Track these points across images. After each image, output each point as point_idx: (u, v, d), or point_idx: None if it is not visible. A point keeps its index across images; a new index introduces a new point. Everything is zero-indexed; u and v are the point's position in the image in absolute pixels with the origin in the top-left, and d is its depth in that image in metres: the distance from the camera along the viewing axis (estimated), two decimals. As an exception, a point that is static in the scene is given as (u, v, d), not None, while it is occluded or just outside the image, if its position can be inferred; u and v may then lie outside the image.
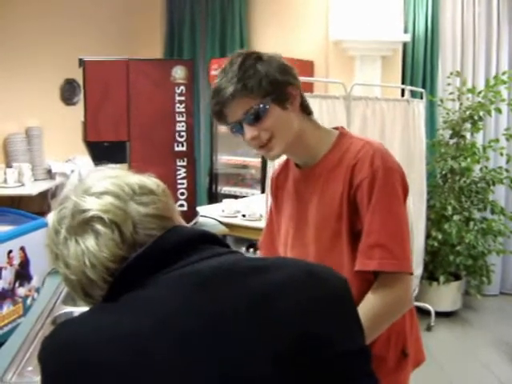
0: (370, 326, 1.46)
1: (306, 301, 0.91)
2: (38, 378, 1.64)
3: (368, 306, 1.54)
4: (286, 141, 1.65)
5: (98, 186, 1.01)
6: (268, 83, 1.58)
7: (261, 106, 1.58)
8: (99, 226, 0.95)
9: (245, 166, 6.00)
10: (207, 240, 1.01)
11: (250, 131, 1.62)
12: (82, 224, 0.96)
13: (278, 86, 1.60)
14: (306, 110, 1.72)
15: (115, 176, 1.04)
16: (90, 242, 0.95)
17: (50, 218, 1.03)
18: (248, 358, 0.83)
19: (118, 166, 2.88)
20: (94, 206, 0.97)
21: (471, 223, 5.10)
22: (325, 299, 0.94)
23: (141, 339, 0.82)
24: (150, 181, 1.06)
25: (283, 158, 1.86)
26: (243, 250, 4.11)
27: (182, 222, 1.07)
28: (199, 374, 0.81)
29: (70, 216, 0.98)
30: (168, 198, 1.06)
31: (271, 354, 0.83)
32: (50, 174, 6.14)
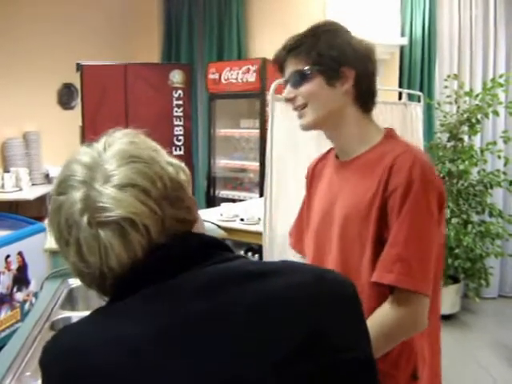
0: (377, 338, 1.35)
1: (310, 306, 0.89)
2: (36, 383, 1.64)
3: (379, 319, 1.49)
4: (318, 114, 1.64)
5: (121, 173, 0.86)
6: (320, 54, 1.59)
7: (306, 70, 1.60)
8: (129, 229, 0.85)
9: (243, 170, 6.00)
10: (218, 247, 0.97)
11: (288, 91, 1.65)
12: (107, 221, 0.84)
13: (330, 61, 1.59)
14: (364, 103, 1.67)
15: (139, 158, 0.89)
16: (115, 242, 0.85)
17: (53, 196, 0.90)
18: (247, 363, 0.82)
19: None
20: (120, 205, 0.84)
21: (469, 226, 5.09)
22: (331, 305, 0.92)
23: (141, 344, 0.81)
24: (178, 168, 0.94)
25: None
26: (242, 253, 4.11)
27: (201, 219, 1.03)
28: (199, 378, 0.80)
29: (87, 207, 0.85)
30: (188, 185, 0.96)
31: (271, 360, 0.82)
32: (47, 179, 6.14)
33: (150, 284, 0.87)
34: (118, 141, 0.92)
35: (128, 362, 0.80)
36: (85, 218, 0.85)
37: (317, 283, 0.93)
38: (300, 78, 1.62)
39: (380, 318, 1.50)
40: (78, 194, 0.86)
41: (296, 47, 1.62)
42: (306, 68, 1.60)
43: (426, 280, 1.50)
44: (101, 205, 0.85)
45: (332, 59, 1.59)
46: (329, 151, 1.88)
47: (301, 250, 1.94)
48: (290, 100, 1.66)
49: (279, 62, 1.68)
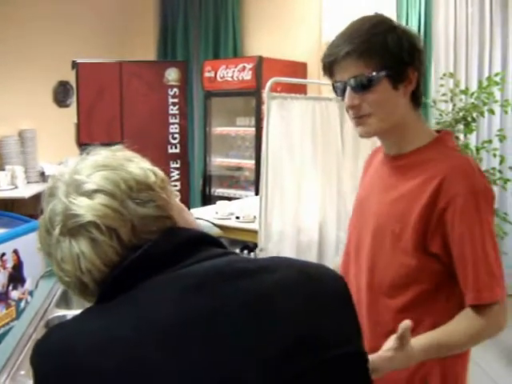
0: (463, 341, 1.48)
1: (301, 303, 0.89)
2: (30, 382, 1.64)
3: (464, 324, 1.49)
4: (385, 123, 1.54)
5: (90, 181, 0.90)
6: (390, 58, 1.47)
7: (373, 75, 1.48)
8: (95, 232, 0.87)
9: (239, 168, 5.99)
10: (203, 242, 0.97)
11: (351, 98, 1.51)
12: (76, 228, 0.88)
13: (399, 64, 1.49)
14: (416, 100, 1.59)
15: (107, 166, 0.93)
16: (85, 248, 0.87)
17: (40, 216, 0.95)
18: (239, 362, 0.81)
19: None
20: (87, 210, 0.87)
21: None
22: (320, 301, 0.92)
23: (130, 343, 0.81)
24: (147, 171, 0.95)
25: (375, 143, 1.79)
26: (237, 251, 4.11)
27: (186, 216, 1.02)
28: (190, 378, 0.80)
29: (61, 218, 0.89)
30: (166, 190, 0.97)
31: (262, 358, 0.82)
32: (43, 177, 6.12)
33: (132, 285, 0.87)
34: (93, 155, 0.97)
35: (120, 362, 0.80)
36: (57, 229, 0.89)
37: (306, 280, 0.93)
38: (366, 83, 1.49)
39: (462, 327, 1.48)
40: (55, 209, 0.91)
41: (365, 51, 1.46)
42: (374, 73, 1.48)
43: (504, 287, 1.51)
44: (71, 212, 0.88)
45: (401, 62, 1.49)
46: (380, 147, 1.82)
47: None
48: (353, 107, 1.53)
49: (329, 64, 1.53)
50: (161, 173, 0.98)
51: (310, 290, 0.92)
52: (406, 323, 1.29)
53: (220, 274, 0.90)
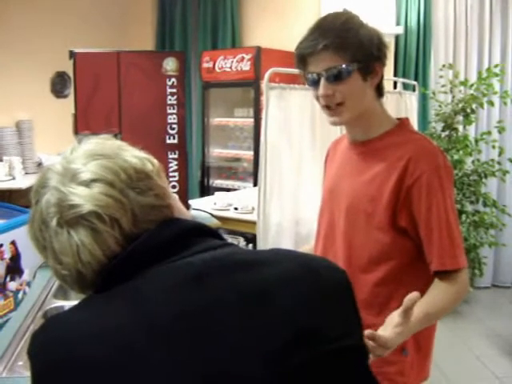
0: (438, 312, 1.60)
1: (301, 296, 0.88)
2: (28, 373, 1.63)
3: (439, 296, 1.61)
4: (355, 111, 1.68)
5: (86, 170, 0.88)
6: (363, 52, 1.61)
7: (346, 67, 1.61)
8: (97, 222, 0.85)
9: (237, 159, 5.99)
10: (202, 233, 0.96)
11: (325, 88, 1.64)
12: (75, 218, 0.86)
13: (369, 58, 1.63)
14: (380, 90, 1.75)
15: (103, 155, 0.91)
16: (86, 238, 0.86)
17: (32, 205, 0.92)
18: (237, 357, 0.80)
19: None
20: (86, 200, 0.85)
21: (463, 216, 5.10)
22: (321, 294, 0.91)
23: (127, 334, 0.80)
24: (144, 160, 0.95)
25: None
26: (236, 242, 4.10)
27: (180, 206, 1.02)
28: (185, 370, 0.79)
29: (57, 210, 0.87)
30: (163, 179, 0.97)
31: (263, 352, 0.81)
32: (40, 168, 6.10)
33: (131, 275, 0.87)
34: (84, 144, 0.95)
35: (112, 352, 0.79)
36: (54, 220, 0.87)
37: (307, 273, 0.92)
38: (340, 75, 1.62)
39: (441, 296, 1.61)
40: (49, 200, 0.88)
41: (340, 44, 1.59)
42: (347, 65, 1.60)
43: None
44: (68, 203, 0.86)
45: (371, 56, 1.63)
46: (343, 135, 1.94)
47: None
48: (327, 96, 1.66)
49: (303, 56, 1.66)
50: (155, 161, 0.98)
51: (311, 283, 0.91)
52: (414, 296, 1.35)
53: (219, 266, 0.89)
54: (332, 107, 1.68)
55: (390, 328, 1.39)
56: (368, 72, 1.65)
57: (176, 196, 1.03)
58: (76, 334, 0.83)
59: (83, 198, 0.86)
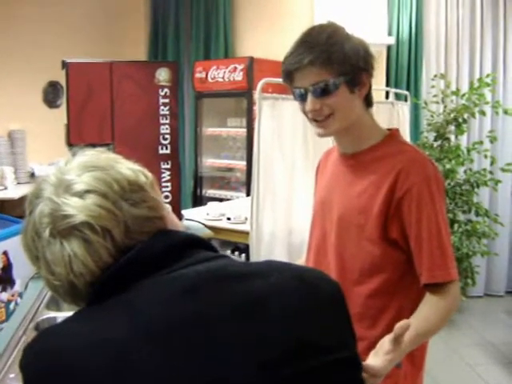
0: (433, 328, 1.59)
1: (295, 308, 0.88)
2: (20, 385, 1.62)
3: (431, 311, 1.59)
4: (344, 123, 1.68)
5: (80, 181, 0.89)
6: (349, 65, 1.60)
7: (333, 81, 1.60)
8: (89, 233, 0.86)
9: (230, 169, 5.98)
10: (195, 244, 0.96)
11: (313, 103, 1.64)
12: (68, 229, 0.86)
13: (356, 70, 1.62)
14: (368, 101, 1.74)
15: (97, 167, 0.92)
16: (78, 249, 0.86)
17: (26, 216, 0.93)
18: (232, 367, 0.80)
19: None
20: (79, 210, 0.86)
21: (456, 225, 5.11)
22: (315, 306, 0.91)
23: (122, 346, 0.80)
24: (137, 172, 0.95)
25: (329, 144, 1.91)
26: (228, 252, 4.09)
27: (173, 218, 1.02)
28: (182, 375, 0.79)
29: (50, 220, 0.88)
30: (157, 191, 0.97)
31: (256, 362, 0.81)
32: (33, 178, 6.08)
33: (125, 286, 0.87)
34: (79, 156, 0.96)
35: (111, 365, 0.79)
36: (47, 230, 0.87)
37: (300, 285, 0.92)
38: (327, 89, 1.61)
39: (432, 311, 1.59)
40: (43, 210, 0.89)
41: (326, 59, 1.58)
42: (334, 79, 1.60)
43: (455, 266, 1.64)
44: (61, 213, 0.87)
45: (358, 68, 1.63)
46: (334, 147, 1.94)
47: None
48: (314, 111, 1.66)
49: (290, 72, 1.65)
50: (149, 174, 0.98)
51: (304, 295, 0.91)
52: (405, 323, 1.32)
53: (213, 278, 0.89)
54: (320, 120, 1.68)
55: (381, 355, 1.36)
56: (355, 84, 1.64)
57: (169, 207, 1.04)
58: (70, 346, 0.82)
59: (76, 208, 0.86)
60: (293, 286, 0.91)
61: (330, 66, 1.59)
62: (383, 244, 1.66)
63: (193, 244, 0.96)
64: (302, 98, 1.66)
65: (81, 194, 0.87)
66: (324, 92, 1.61)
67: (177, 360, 0.80)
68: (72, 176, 0.90)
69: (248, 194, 4.60)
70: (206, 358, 0.80)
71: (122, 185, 0.90)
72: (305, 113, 1.70)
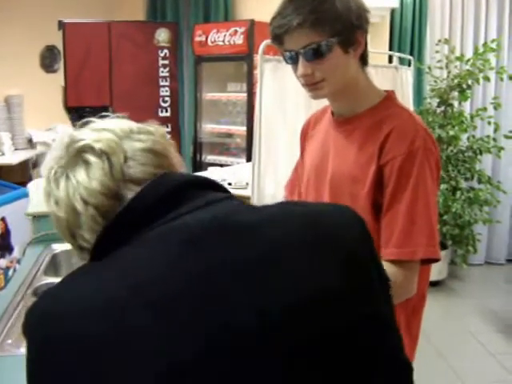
0: None
1: (310, 261, 0.84)
2: (18, 351, 1.60)
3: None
4: (337, 85, 1.58)
5: (98, 123, 0.98)
6: (341, 24, 1.48)
7: (325, 43, 1.48)
8: (90, 156, 0.91)
9: (230, 135, 5.93)
10: (200, 185, 0.93)
11: (304, 67, 1.52)
12: (74, 156, 0.92)
13: (349, 29, 1.50)
14: (364, 59, 1.63)
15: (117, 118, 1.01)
16: (80, 175, 0.90)
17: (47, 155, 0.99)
18: (236, 321, 0.77)
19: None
20: (88, 136, 0.94)
21: (458, 192, 5.08)
22: (334, 256, 0.87)
23: (120, 306, 0.77)
24: (151, 126, 1.00)
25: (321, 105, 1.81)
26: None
27: (178, 160, 1.01)
28: (184, 338, 0.75)
29: (64, 148, 0.94)
30: (167, 143, 0.99)
31: (284, 307, 0.79)
32: (30, 144, 6.06)
33: (128, 238, 0.85)
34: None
35: (110, 325, 0.76)
36: (63, 161, 0.94)
37: (314, 233, 0.89)
38: (319, 51, 1.49)
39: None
40: (62, 141, 0.96)
41: (315, 20, 1.45)
42: (327, 41, 1.48)
43: (438, 245, 1.53)
44: (75, 139, 0.94)
45: (351, 26, 1.50)
46: (324, 109, 1.83)
47: None
48: (306, 76, 1.54)
49: (279, 34, 1.52)
50: (163, 129, 1.02)
51: (319, 246, 0.87)
52: None
53: (217, 228, 0.85)
54: (311, 84, 1.57)
55: None
56: (349, 44, 1.52)
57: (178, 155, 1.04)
58: (70, 308, 0.80)
59: (86, 135, 0.94)
60: (305, 234, 0.88)
61: (321, 27, 1.46)
62: (376, 215, 1.58)
63: (197, 185, 0.93)
64: (294, 62, 1.55)
65: (94, 129, 0.96)
66: (316, 55, 1.49)
67: (175, 319, 0.76)
68: (94, 122, 1.00)
69: (248, 160, 4.55)
70: (206, 316, 0.77)
71: (131, 127, 0.97)
72: (297, 78, 1.60)
